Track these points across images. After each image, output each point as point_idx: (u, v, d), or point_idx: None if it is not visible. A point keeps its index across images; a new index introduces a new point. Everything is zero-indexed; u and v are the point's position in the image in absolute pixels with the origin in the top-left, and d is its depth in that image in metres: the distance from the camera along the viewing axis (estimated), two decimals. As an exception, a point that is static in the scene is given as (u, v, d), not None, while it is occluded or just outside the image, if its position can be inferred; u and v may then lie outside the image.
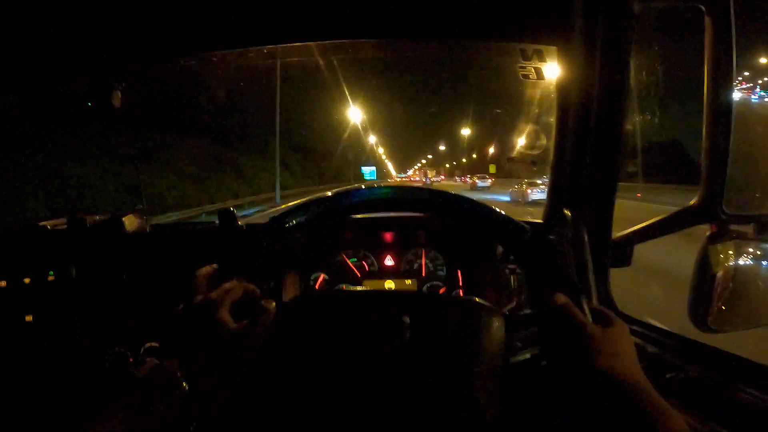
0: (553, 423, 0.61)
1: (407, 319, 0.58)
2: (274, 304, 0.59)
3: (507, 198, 16.16)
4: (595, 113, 0.84)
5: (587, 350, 0.56)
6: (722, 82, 0.84)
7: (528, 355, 0.60)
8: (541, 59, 0.93)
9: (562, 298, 0.59)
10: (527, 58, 0.93)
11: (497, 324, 0.59)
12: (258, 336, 0.55)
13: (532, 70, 0.93)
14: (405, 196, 0.67)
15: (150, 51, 0.96)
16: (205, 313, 0.53)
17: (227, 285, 0.57)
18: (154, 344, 0.77)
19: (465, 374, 0.57)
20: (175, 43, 0.95)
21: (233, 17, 0.93)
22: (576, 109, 0.87)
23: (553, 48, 0.90)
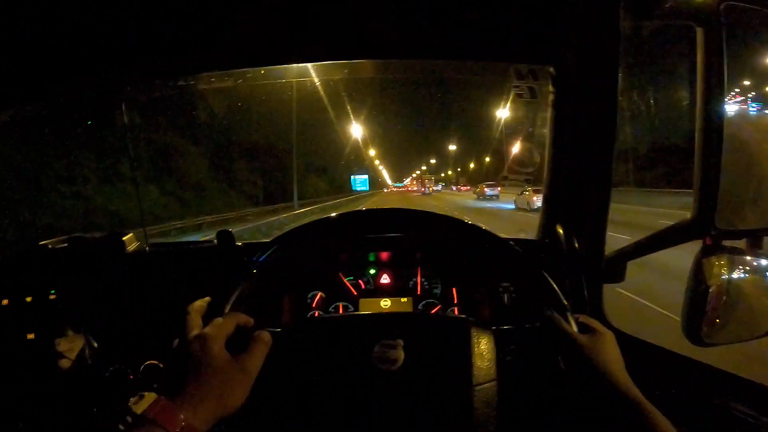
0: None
1: (401, 342, 0.59)
2: (268, 335, 0.60)
3: (512, 206, 16.11)
4: (588, 131, 0.86)
5: (575, 359, 0.58)
6: (713, 97, 0.85)
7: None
8: (535, 78, 0.94)
9: (548, 312, 0.61)
10: (521, 78, 0.95)
11: (486, 339, 0.60)
12: (254, 367, 0.56)
13: (526, 89, 0.95)
14: (401, 216, 0.68)
15: (152, 70, 0.97)
16: (200, 349, 0.54)
17: (219, 320, 0.58)
18: (154, 362, 0.78)
19: (459, 390, 0.58)
20: (175, 63, 0.96)
21: (233, 39, 0.94)
22: (570, 128, 0.88)
23: (547, 67, 0.91)
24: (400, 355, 0.59)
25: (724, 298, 0.88)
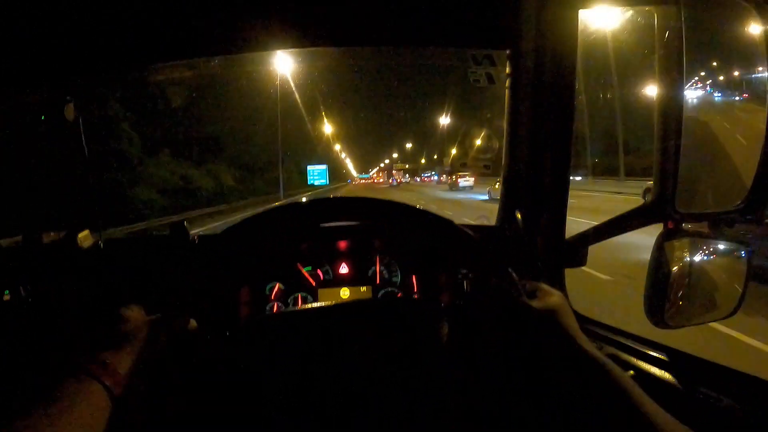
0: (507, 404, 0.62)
1: (362, 329, 0.58)
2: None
3: (485, 197, 16.15)
4: (545, 116, 0.85)
5: (525, 323, 0.57)
6: (673, 83, 0.85)
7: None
8: (493, 64, 0.93)
9: (497, 282, 0.60)
10: (478, 63, 0.94)
11: (441, 317, 0.60)
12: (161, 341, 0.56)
13: (483, 75, 0.94)
14: (358, 204, 0.67)
15: (103, 63, 0.94)
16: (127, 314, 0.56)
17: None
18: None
19: (429, 371, 0.57)
20: (127, 54, 0.93)
21: (195, 26, 0.92)
22: (526, 112, 0.88)
23: (504, 52, 0.91)
24: (359, 344, 0.58)
25: (687, 280, 0.89)
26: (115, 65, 0.95)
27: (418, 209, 0.65)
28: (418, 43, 0.95)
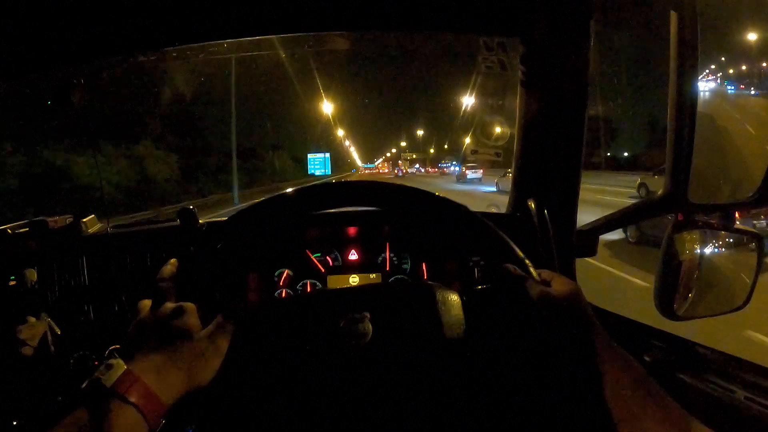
0: (519, 389, 0.61)
1: (368, 315, 0.58)
2: (240, 306, 0.59)
3: (493, 188, 16.00)
4: (557, 103, 0.85)
5: (541, 309, 0.56)
6: (687, 75, 0.85)
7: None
8: (505, 51, 0.93)
9: (510, 267, 0.59)
10: (490, 50, 0.93)
11: (453, 298, 0.59)
12: (224, 343, 0.54)
13: (496, 61, 0.94)
14: (368, 189, 0.66)
15: (109, 47, 0.93)
16: (176, 319, 0.52)
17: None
18: (117, 347, 0.75)
19: (429, 356, 0.57)
20: (133, 38, 0.92)
21: (194, 11, 0.91)
22: (539, 100, 0.87)
23: (516, 39, 0.89)
24: (369, 327, 0.57)
25: (697, 272, 0.89)
26: (121, 49, 0.94)
27: (431, 194, 0.64)
28: (429, 28, 0.93)
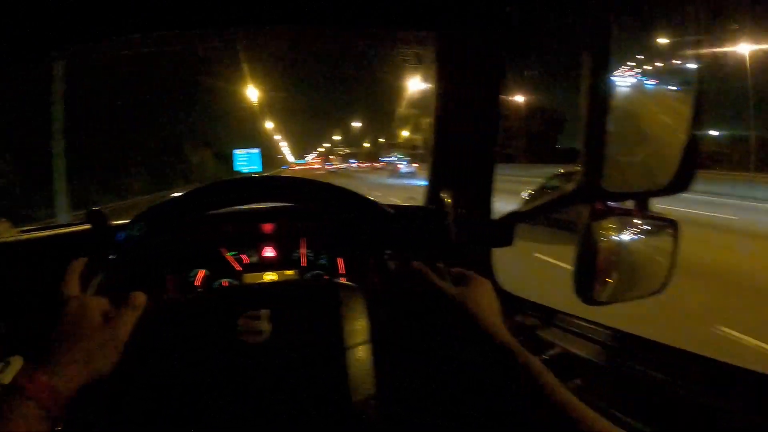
0: (426, 393, 0.61)
1: (266, 313, 0.57)
2: (143, 298, 0.58)
3: (426, 182, 16.00)
4: (471, 96, 0.86)
5: (444, 311, 0.57)
6: (598, 69, 0.88)
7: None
8: (421, 45, 0.94)
9: (417, 264, 0.60)
10: (408, 44, 0.94)
11: (357, 300, 0.59)
12: (124, 331, 0.55)
13: (412, 55, 0.95)
14: (282, 185, 0.66)
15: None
16: (75, 311, 0.53)
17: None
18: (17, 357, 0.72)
19: (331, 355, 0.57)
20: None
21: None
22: (453, 93, 0.89)
23: (431, 33, 0.91)
24: (266, 326, 0.57)
25: (615, 258, 0.92)
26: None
27: (337, 188, 0.64)
28: (344, 24, 0.94)
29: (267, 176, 0.63)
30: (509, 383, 0.51)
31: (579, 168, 0.85)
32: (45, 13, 0.83)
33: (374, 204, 0.66)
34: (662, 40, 0.99)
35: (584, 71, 0.87)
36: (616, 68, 0.93)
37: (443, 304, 0.58)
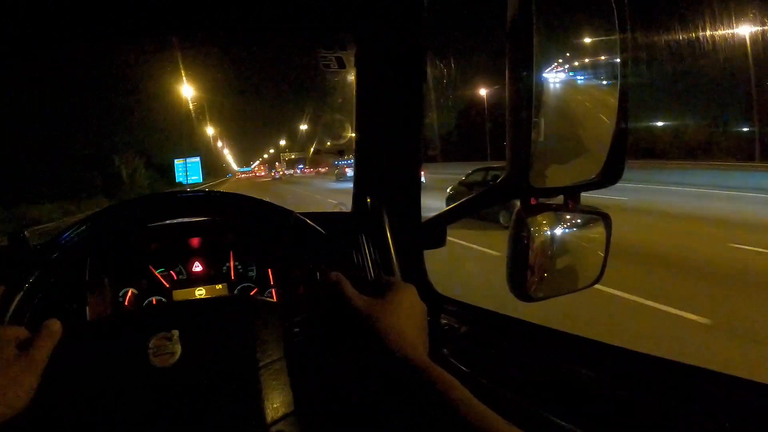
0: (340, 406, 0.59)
1: (176, 333, 0.54)
2: (58, 324, 0.56)
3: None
4: (393, 98, 0.85)
5: (353, 326, 0.54)
6: (521, 65, 0.88)
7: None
8: (342, 48, 0.92)
9: (333, 275, 0.58)
10: (328, 48, 0.92)
11: (270, 314, 0.57)
12: (40, 360, 0.52)
13: (333, 59, 0.93)
14: (206, 199, 0.64)
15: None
16: None
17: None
18: None
19: (244, 375, 0.54)
20: None
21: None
22: (374, 96, 0.88)
23: (349, 34, 0.90)
24: (177, 347, 0.54)
25: (549, 252, 0.92)
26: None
27: (252, 199, 0.62)
28: (259, 28, 0.92)
29: (193, 191, 0.61)
30: (414, 399, 0.48)
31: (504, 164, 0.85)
32: None
33: (286, 213, 0.64)
34: (588, 37, 1.02)
35: (507, 65, 0.88)
36: (542, 61, 0.94)
37: (350, 318, 0.55)
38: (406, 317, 0.57)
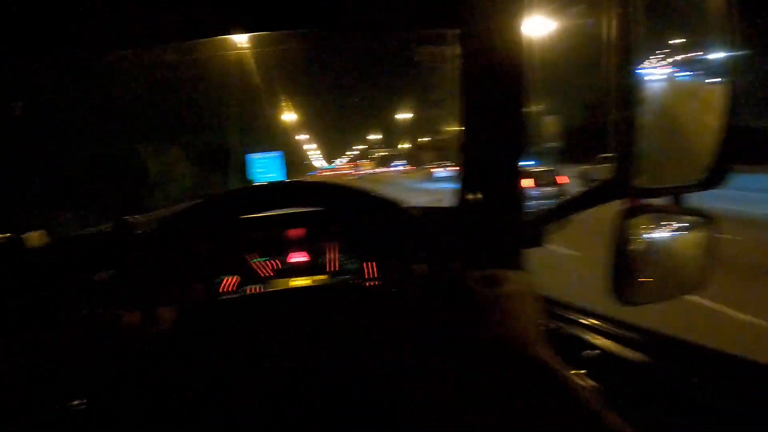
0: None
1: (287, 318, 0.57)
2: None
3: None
4: (498, 95, 0.84)
5: (473, 315, 0.55)
6: (630, 55, 0.85)
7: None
8: (444, 43, 0.92)
9: (446, 267, 0.58)
10: (430, 43, 0.92)
11: (386, 303, 0.58)
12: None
13: (436, 54, 0.93)
14: (312, 189, 0.66)
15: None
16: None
17: None
18: None
19: (362, 359, 0.56)
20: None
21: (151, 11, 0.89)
22: (479, 92, 0.87)
23: (454, 30, 0.89)
24: (287, 332, 0.57)
25: (652, 256, 0.89)
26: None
27: (360, 191, 0.63)
28: (368, 27, 0.93)
29: (300, 181, 0.63)
30: (550, 402, 0.49)
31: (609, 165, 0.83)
32: None
33: (393, 205, 0.65)
34: (694, 31, 0.96)
35: (610, 63, 0.85)
36: (645, 59, 0.90)
37: (478, 308, 0.56)
38: (523, 308, 0.57)
